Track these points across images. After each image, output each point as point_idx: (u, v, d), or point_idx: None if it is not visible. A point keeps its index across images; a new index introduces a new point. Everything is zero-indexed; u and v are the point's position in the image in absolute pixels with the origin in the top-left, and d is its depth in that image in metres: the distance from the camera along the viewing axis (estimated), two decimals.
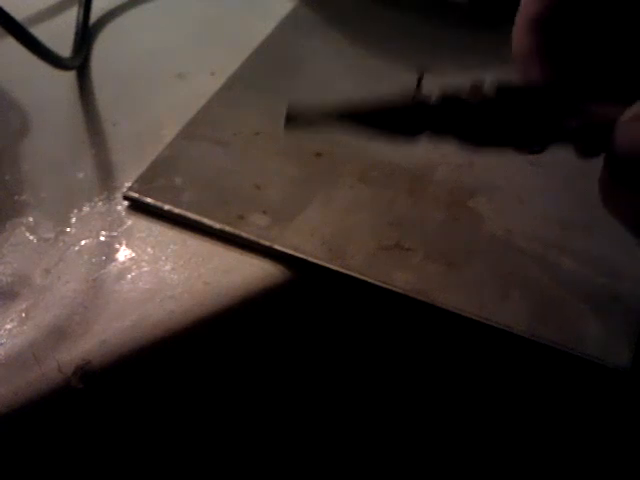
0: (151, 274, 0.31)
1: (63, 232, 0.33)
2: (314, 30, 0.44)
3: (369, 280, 0.31)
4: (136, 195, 0.34)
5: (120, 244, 0.33)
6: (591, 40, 0.24)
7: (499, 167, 0.36)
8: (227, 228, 0.32)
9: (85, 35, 0.42)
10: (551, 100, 0.23)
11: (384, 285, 0.30)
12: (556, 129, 0.23)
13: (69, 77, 0.41)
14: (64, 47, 0.40)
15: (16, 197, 0.34)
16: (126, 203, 0.34)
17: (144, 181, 0.34)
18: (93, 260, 0.32)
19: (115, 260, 0.32)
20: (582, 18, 0.24)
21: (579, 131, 0.23)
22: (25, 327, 0.30)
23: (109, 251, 0.32)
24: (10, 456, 0.29)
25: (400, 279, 0.31)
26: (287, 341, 0.34)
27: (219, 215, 0.33)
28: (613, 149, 0.21)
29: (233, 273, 0.31)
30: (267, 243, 0.32)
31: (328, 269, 0.31)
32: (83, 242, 0.33)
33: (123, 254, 0.32)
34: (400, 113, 0.24)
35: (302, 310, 0.33)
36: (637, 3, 0.23)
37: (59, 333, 0.29)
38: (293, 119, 0.24)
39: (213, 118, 0.38)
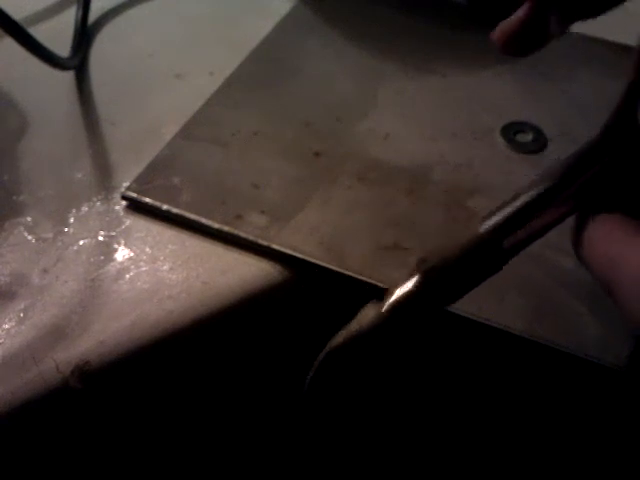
0: (149, 274, 0.31)
1: (61, 232, 0.33)
2: (313, 30, 0.44)
3: (367, 280, 0.31)
4: (134, 195, 0.34)
5: (118, 244, 0.33)
6: None
7: (498, 167, 0.36)
8: (225, 228, 0.32)
9: (84, 35, 0.42)
10: None
11: (382, 285, 0.30)
12: None
13: (67, 77, 0.40)
14: (63, 47, 0.40)
15: (14, 197, 0.34)
16: (124, 203, 0.34)
17: (142, 181, 0.34)
18: (91, 260, 0.32)
19: (113, 260, 0.32)
20: None
21: None
22: (23, 327, 0.29)
23: (107, 251, 0.32)
24: (8, 456, 0.29)
25: (398, 279, 0.30)
26: (285, 341, 0.34)
27: (217, 215, 0.33)
28: None
29: (231, 273, 0.31)
30: (265, 243, 0.32)
31: (326, 269, 0.31)
32: (81, 242, 0.33)
33: (121, 254, 0.32)
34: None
35: (300, 310, 0.33)
36: None
37: (57, 333, 0.29)
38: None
39: (212, 118, 0.38)
